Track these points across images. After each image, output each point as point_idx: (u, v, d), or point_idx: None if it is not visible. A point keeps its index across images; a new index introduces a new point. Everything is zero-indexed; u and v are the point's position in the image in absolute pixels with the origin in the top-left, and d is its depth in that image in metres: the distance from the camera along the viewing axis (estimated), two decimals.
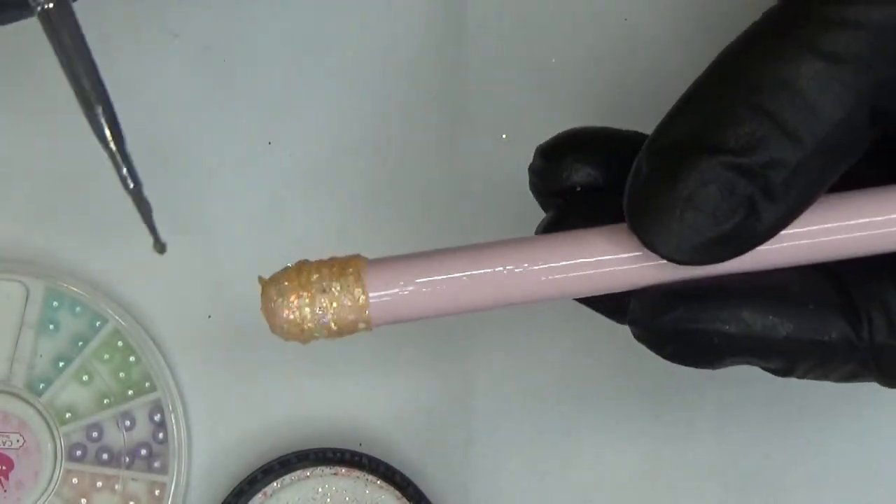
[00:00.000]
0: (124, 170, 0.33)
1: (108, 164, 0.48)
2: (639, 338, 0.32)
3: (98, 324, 0.47)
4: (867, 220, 0.32)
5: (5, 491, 0.46)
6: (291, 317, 0.33)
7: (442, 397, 0.48)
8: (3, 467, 0.46)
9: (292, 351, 0.48)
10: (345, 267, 0.33)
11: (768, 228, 0.31)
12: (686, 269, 0.31)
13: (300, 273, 0.33)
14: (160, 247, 0.32)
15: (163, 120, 0.48)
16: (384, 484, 0.46)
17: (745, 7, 0.33)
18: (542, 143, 0.35)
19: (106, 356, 0.47)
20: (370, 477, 0.46)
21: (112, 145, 0.32)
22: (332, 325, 0.33)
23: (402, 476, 0.46)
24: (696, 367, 0.32)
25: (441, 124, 0.48)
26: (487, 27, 0.48)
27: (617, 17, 0.48)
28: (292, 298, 0.32)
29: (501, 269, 0.32)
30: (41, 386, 0.47)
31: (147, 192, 0.48)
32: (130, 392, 0.47)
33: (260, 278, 0.33)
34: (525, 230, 0.36)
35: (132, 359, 0.47)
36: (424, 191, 0.48)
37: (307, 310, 0.32)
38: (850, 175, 0.32)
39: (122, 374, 0.47)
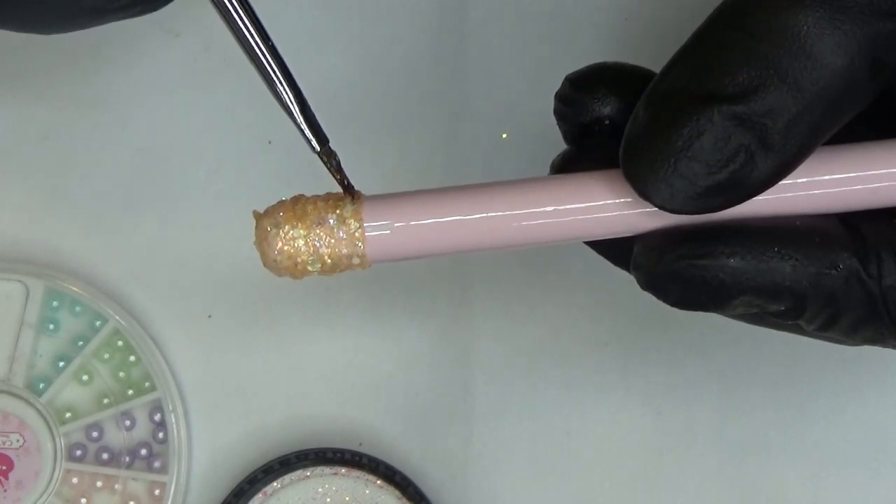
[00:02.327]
0: (308, 133, 0.33)
1: (107, 164, 0.48)
2: (644, 284, 0.31)
3: (98, 323, 0.47)
4: (871, 172, 0.31)
5: (5, 491, 0.46)
6: (285, 248, 0.31)
7: (442, 397, 0.48)
8: (3, 467, 0.46)
9: (293, 351, 0.48)
10: (341, 197, 0.32)
11: (764, 179, 0.30)
12: (682, 218, 0.31)
13: (296, 205, 0.32)
14: (353, 194, 0.32)
15: (163, 120, 0.48)
16: (384, 484, 0.46)
17: None
18: (572, 71, 0.34)
19: (106, 356, 0.47)
20: (370, 477, 0.46)
21: (295, 112, 0.33)
22: (327, 258, 0.31)
23: (402, 476, 0.46)
24: (705, 309, 0.31)
25: (441, 124, 0.48)
26: (487, 27, 0.48)
27: (617, 17, 0.48)
28: (287, 229, 0.31)
29: (498, 210, 0.31)
30: (41, 386, 0.47)
31: (148, 191, 0.48)
32: (130, 392, 0.47)
33: (254, 212, 0.33)
34: None
35: (132, 359, 0.47)
36: None
37: (301, 241, 0.31)
38: (850, 137, 0.31)
39: (122, 374, 0.47)
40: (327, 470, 0.46)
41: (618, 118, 0.33)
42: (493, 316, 0.48)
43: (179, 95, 0.48)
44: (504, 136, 0.48)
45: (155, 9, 0.34)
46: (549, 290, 0.48)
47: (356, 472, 0.46)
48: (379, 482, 0.46)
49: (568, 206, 0.31)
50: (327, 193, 0.32)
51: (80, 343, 0.47)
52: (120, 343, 0.47)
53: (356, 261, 0.32)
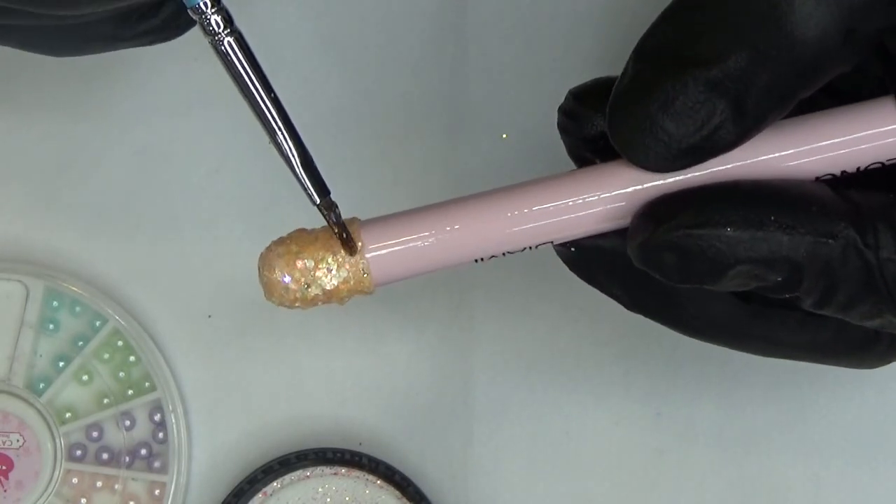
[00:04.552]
0: (308, 184, 0.33)
1: (107, 164, 0.48)
2: (639, 258, 0.32)
3: (98, 323, 0.47)
4: (850, 136, 0.32)
5: (5, 491, 0.46)
6: (291, 282, 0.32)
7: (442, 397, 0.48)
8: (3, 467, 0.46)
9: (292, 351, 0.48)
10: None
11: (735, 140, 0.31)
12: (676, 183, 0.32)
13: (296, 241, 0.32)
14: (350, 249, 0.32)
15: (163, 120, 0.48)
16: (384, 484, 0.46)
17: None
18: (575, 85, 0.35)
19: (106, 356, 0.47)
20: (370, 477, 0.46)
21: (296, 166, 0.33)
22: (332, 288, 0.32)
23: (402, 476, 0.46)
24: (701, 282, 0.31)
25: (441, 124, 0.48)
26: (487, 27, 0.48)
27: (617, 17, 0.48)
28: (290, 267, 0.32)
29: (494, 216, 0.32)
30: (41, 386, 0.47)
31: (148, 192, 0.48)
32: (130, 392, 0.47)
33: (261, 253, 0.33)
34: None
35: (132, 359, 0.47)
36: (425, 191, 0.48)
37: (307, 274, 0.32)
38: (829, 97, 0.32)
39: (122, 374, 0.47)
40: (327, 470, 0.46)
41: None
42: (492, 316, 0.48)
43: (179, 96, 0.48)
44: (504, 136, 0.48)
45: (166, 40, 0.35)
46: (548, 290, 0.48)
47: (356, 472, 0.46)
48: (379, 482, 0.46)
49: (566, 202, 0.32)
50: (326, 226, 0.33)
51: (80, 343, 0.47)
52: (120, 343, 0.47)
53: (361, 287, 0.32)
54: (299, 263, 0.32)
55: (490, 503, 0.47)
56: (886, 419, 0.47)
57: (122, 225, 0.48)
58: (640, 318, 0.47)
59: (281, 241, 0.32)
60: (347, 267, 0.32)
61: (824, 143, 0.32)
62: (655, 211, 0.31)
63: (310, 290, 0.32)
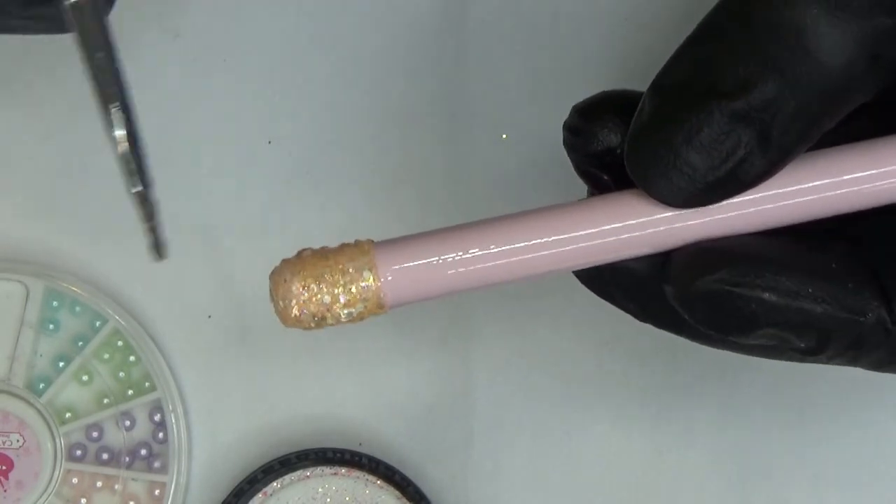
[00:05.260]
0: (130, 170, 0.32)
1: (107, 164, 0.48)
2: (675, 299, 0.32)
3: (98, 323, 0.47)
4: (875, 171, 0.31)
5: (5, 491, 0.46)
6: (304, 303, 0.32)
7: (442, 397, 0.48)
8: (3, 467, 0.46)
9: (292, 351, 0.48)
10: (354, 251, 0.32)
11: (762, 173, 0.31)
12: (683, 214, 0.31)
13: (312, 271, 0.32)
14: (159, 252, 0.32)
15: (163, 120, 0.48)
16: (384, 484, 0.46)
17: None
18: (579, 101, 0.34)
19: (106, 356, 0.47)
20: (370, 477, 0.46)
21: (119, 145, 0.32)
22: (346, 310, 0.32)
23: (402, 476, 0.46)
24: (728, 334, 0.31)
25: (441, 124, 0.48)
26: (487, 27, 0.48)
27: (617, 17, 0.48)
28: (304, 285, 0.32)
29: (513, 242, 0.32)
30: (41, 386, 0.47)
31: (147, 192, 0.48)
32: (130, 392, 0.47)
33: (272, 274, 0.33)
34: None
35: (132, 359, 0.47)
36: (425, 191, 0.48)
37: (319, 296, 0.32)
38: (852, 128, 0.32)
39: (122, 374, 0.47)
40: (327, 470, 0.46)
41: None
42: (493, 316, 0.48)
43: (179, 95, 0.48)
44: (504, 136, 0.48)
45: (62, 31, 0.34)
46: (549, 290, 0.48)
47: (356, 472, 0.46)
48: (379, 482, 0.46)
49: (592, 230, 0.32)
50: (340, 245, 0.32)
51: (80, 343, 0.47)
52: (120, 343, 0.47)
53: (375, 308, 0.32)
54: (315, 300, 0.32)
55: (490, 503, 0.47)
56: (887, 420, 0.47)
57: (122, 225, 0.48)
58: None
59: (296, 270, 0.32)
60: (365, 303, 0.32)
61: (846, 177, 0.31)
62: (699, 259, 0.31)
63: (325, 321, 0.32)
